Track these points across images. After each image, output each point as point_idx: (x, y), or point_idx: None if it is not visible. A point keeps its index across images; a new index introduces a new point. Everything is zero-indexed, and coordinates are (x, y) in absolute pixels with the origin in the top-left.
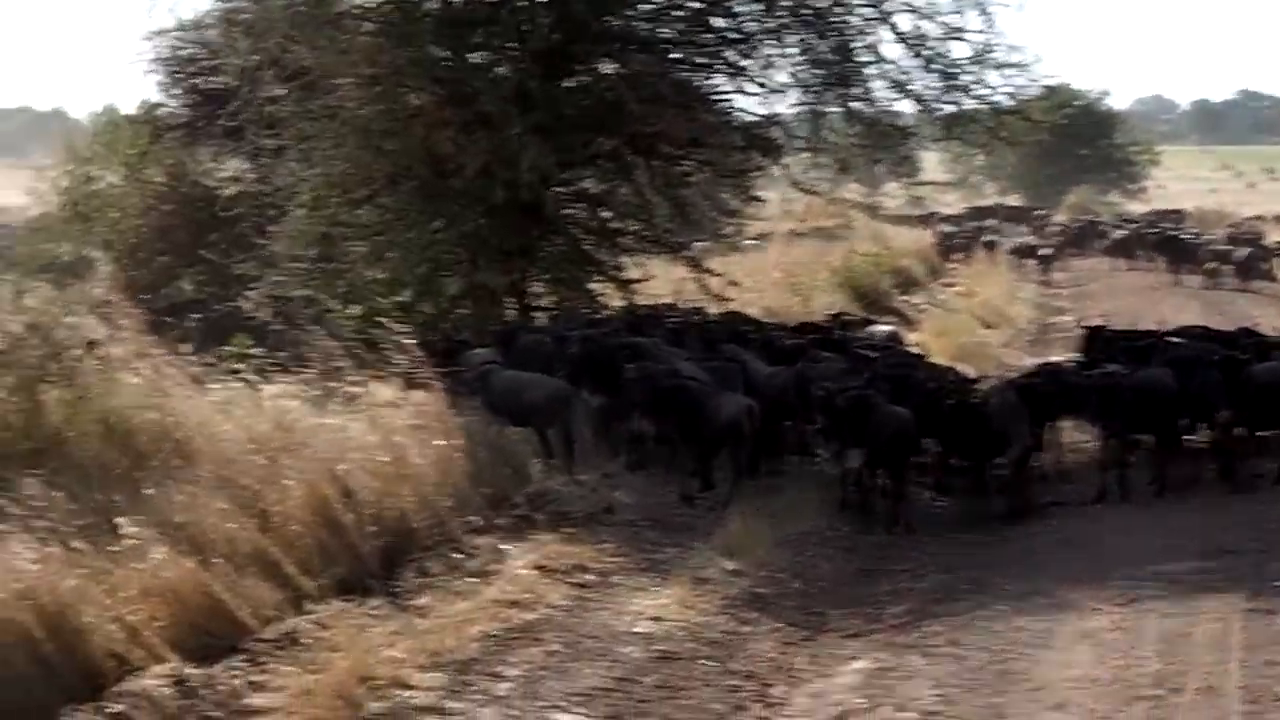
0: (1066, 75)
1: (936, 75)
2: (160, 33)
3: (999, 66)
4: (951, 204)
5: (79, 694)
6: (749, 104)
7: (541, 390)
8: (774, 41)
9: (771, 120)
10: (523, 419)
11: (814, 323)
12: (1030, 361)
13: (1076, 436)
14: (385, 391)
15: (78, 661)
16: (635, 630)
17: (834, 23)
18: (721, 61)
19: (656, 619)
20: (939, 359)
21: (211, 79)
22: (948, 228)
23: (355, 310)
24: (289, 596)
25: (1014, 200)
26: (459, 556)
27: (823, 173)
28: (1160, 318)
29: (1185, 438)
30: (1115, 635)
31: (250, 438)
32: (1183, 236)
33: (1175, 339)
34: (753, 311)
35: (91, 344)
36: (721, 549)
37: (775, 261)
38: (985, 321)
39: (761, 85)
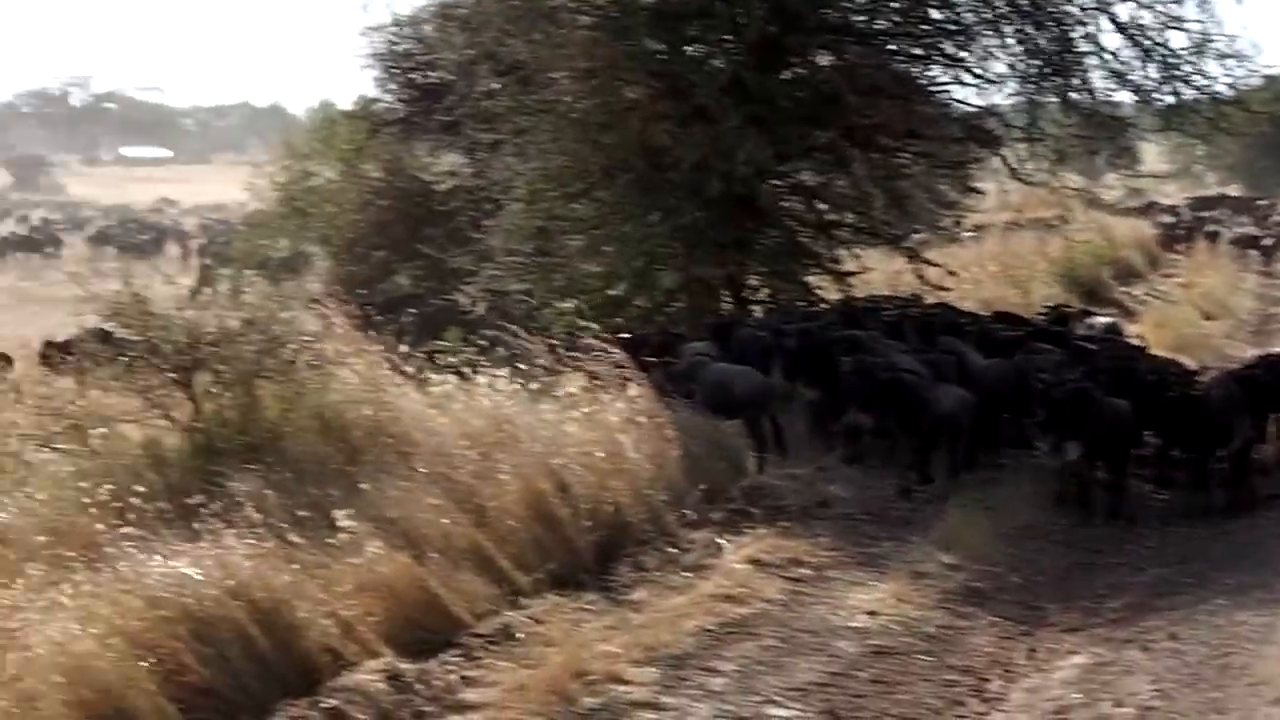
0: None
1: (1156, 65)
2: (377, 28)
3: (1219, 57)
4: (1171, 194)
5: (294, 689)
6: (966, 95)
7: (748, 383)
8: (992, 32)
9: (989, 111)
10: (732, 412)
11: (1010, 313)
12: (1252, 353)
13: None
14: (599, 386)
15: (293, 657)
16: (851, 625)
17: (1052, 13)
18: (938, 52)
19: (872, 613)
20: (1159, 350)
21: (428, 74)
22: (1168, 218)
23: (571, 304)
24: (503, 591)
25: (1234, 190)
26: (674, 551)
27: (1040, 163)
28: None
29: None
30: None
31: (465, 432)
32: None
33: None
34: (970, 304)
35: (308, 339)
36: (939, 543)
37: (993, 253)
38: (1206, 313)
39: (979, 76)
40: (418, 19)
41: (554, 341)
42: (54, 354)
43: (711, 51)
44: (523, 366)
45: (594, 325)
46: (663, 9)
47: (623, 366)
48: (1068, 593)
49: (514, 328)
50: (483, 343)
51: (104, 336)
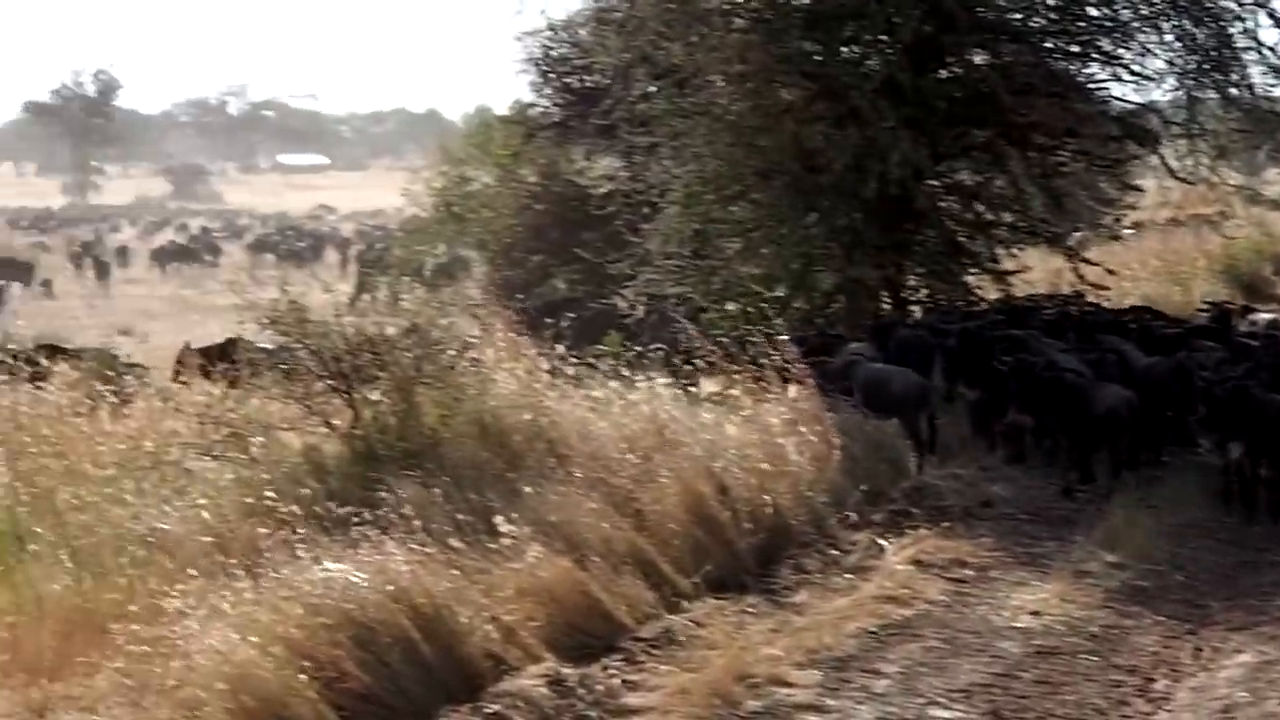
0: None
1: None
2: (532, 33)
3: None
4: None
5: (456, 694)
6: (1124, 92)
7: (905, 382)
8: (1149, 28)
9: (1147, 108)
10: (889, 411)
11: (1141, 306)
12: None
13: None
14: (759, 388)
15: (454, 662)
16: (1014, 625)
17: (1210, 8)
18: (1095, 50)
19: (1036, 613)
20: None
21: (584, 78)
22: None
23: (729, 307)
24: (664, 595)
25: None
26: (835, 552)
27: (1200, 160)
28: None
29: None
30: None
31: (624, 436)
32: None
33: None
34: (1131, 302)
35: (466, 344)
36: (1102, 542)
37: (1153, 250)
38: None
39: (1136, 73)
40: (573, 23)
41: (713, 345)
42: (192, 361)
43: (866, 53)
44: (681, 370)
45: (753, 328)
46: (816, 11)
47: (782, 368)
48: (1233, 591)
49: (672, 331)
50: (641, 346)
51: (228, 347)
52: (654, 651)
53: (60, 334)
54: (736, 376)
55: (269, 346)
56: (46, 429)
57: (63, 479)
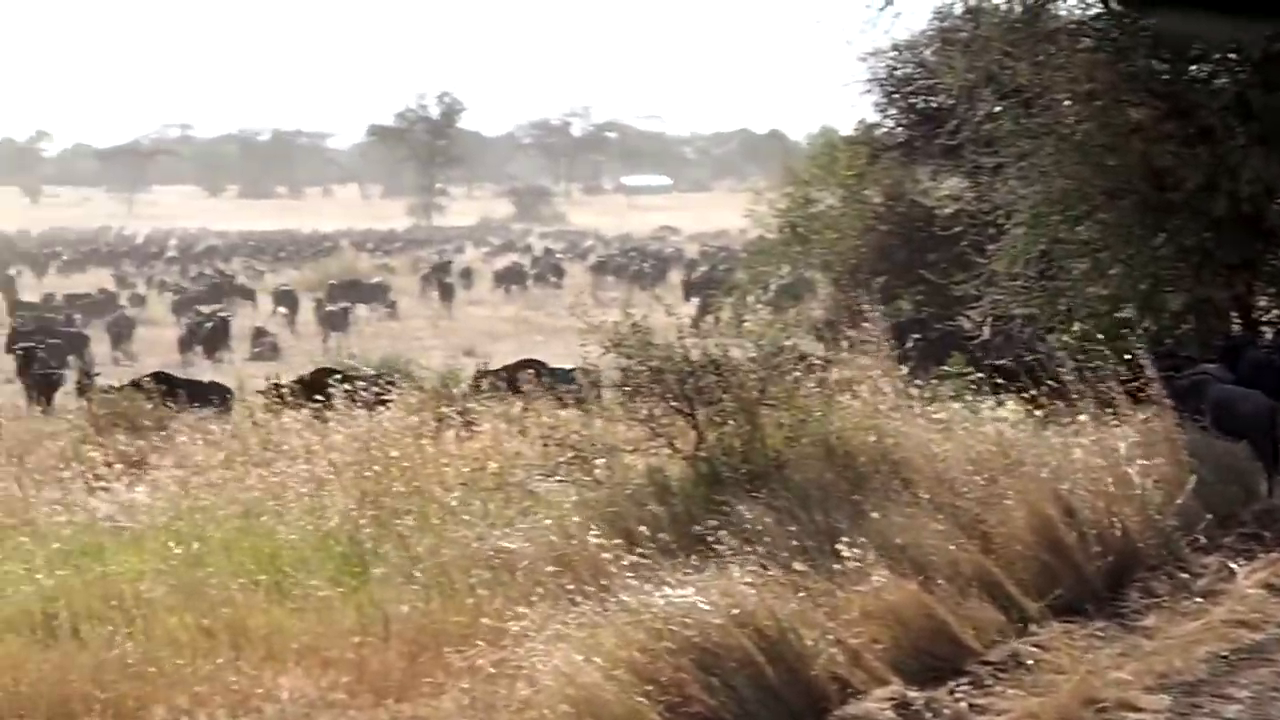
0: None
1: None
2: (876, 54)
3: None
4: None
5: (801, 718)
6: None
7: (1252, 404)
8: None
9: None
10: (1237, 433)
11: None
12: None
13: None
14: (1108, 409)
15: (799, 685)
16: None
17: None
18: None
19: None
20: None
21: (928, 98)
22: None
23: (1076, 328)
24: (1011, 618)
25: None
26: (1185, 576)
27: None
28: None
29: None
30: None
31: (969, 458)
32: None
33: None
34: None
35: (812, 366)
36: None
37: None
38: None
39: None
40: (916, 44)
41: (1060, 366)
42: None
43: (1215, 70)
44: (1028, 391)
45: (1101, 349)
46: (1164, 29)
47: (1131, 389)
48: None
49: (1019, 352)
50: (986, 367)
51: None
52: (1001, 675)
53: (405, 355)
54: (1085, 398)
55: (568, 367)
56: (394, 450)
57: (409, 500)
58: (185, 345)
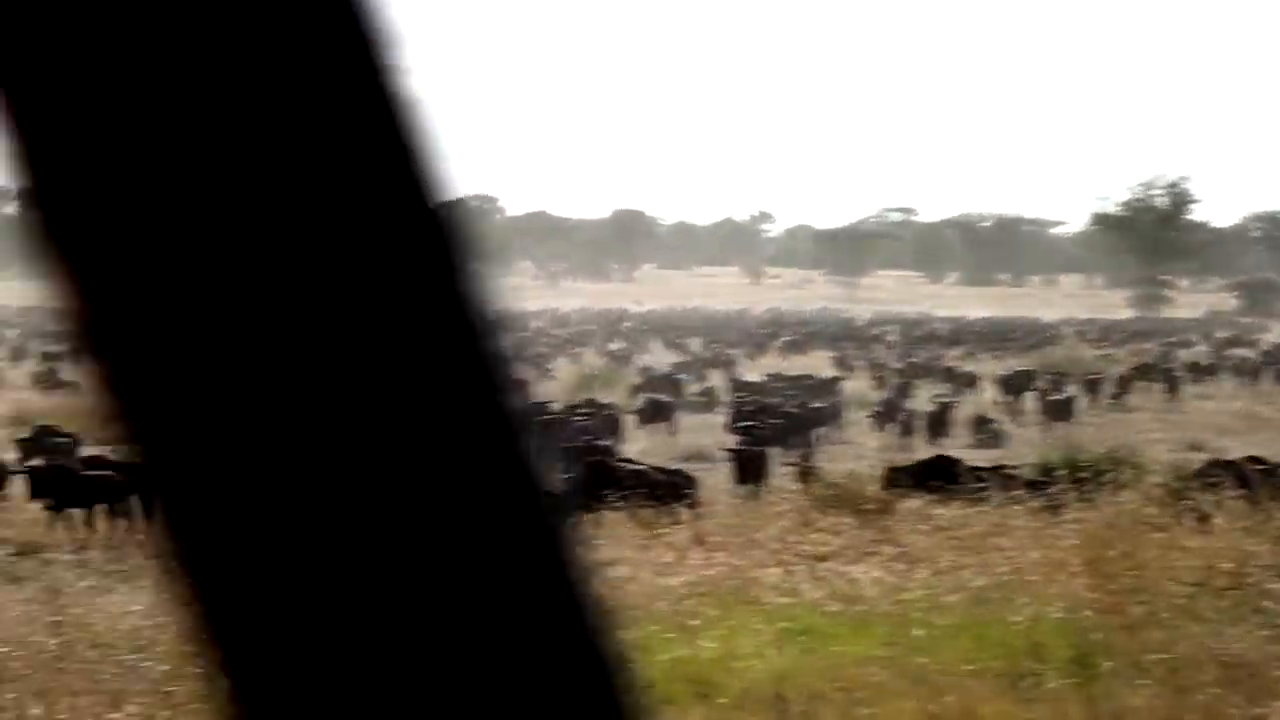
0: None
1: None
2: None
3: None
4: None
5: None
6: None
7: None
8: None
9: None
10: None
11: None
12: None
13: None
14: None
15: None
16: None
17: None
18: None
19: None
20: None
21: None
22: None
23: None
24: None
25: None
26: None
27: None
28: None
29: None
30: None
31: None
32: None
33: None
34: None
35: None
36: None
37: None
38: None
39: None
40: None
41: None
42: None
43: None
44: None
45: None
46: None
47: None
48: None
49: None
50: None
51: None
52: None
53: (1127, 445)
54: None
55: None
56: (1123, 542)
57: (1139, 596)
58: (905, 431)
